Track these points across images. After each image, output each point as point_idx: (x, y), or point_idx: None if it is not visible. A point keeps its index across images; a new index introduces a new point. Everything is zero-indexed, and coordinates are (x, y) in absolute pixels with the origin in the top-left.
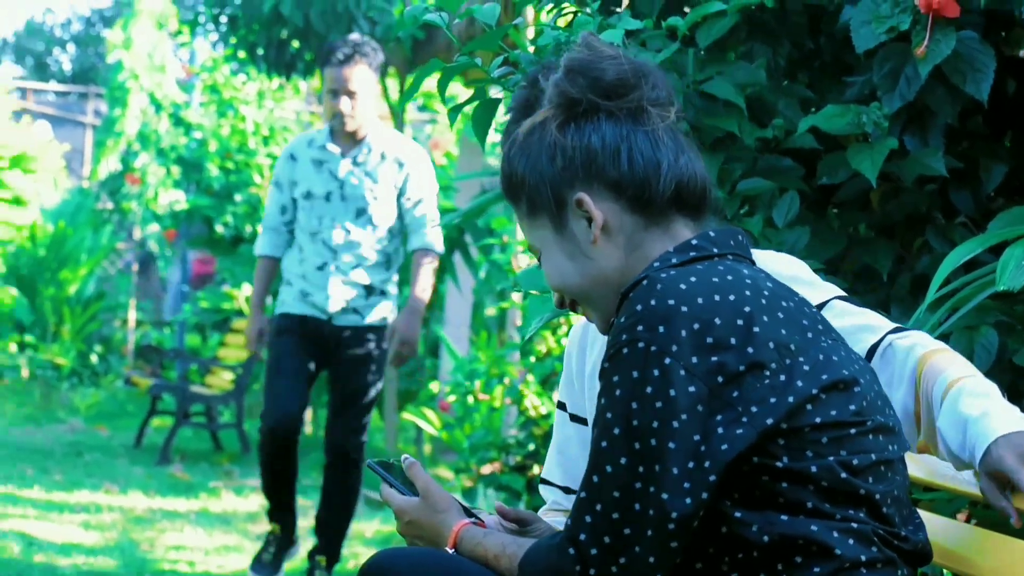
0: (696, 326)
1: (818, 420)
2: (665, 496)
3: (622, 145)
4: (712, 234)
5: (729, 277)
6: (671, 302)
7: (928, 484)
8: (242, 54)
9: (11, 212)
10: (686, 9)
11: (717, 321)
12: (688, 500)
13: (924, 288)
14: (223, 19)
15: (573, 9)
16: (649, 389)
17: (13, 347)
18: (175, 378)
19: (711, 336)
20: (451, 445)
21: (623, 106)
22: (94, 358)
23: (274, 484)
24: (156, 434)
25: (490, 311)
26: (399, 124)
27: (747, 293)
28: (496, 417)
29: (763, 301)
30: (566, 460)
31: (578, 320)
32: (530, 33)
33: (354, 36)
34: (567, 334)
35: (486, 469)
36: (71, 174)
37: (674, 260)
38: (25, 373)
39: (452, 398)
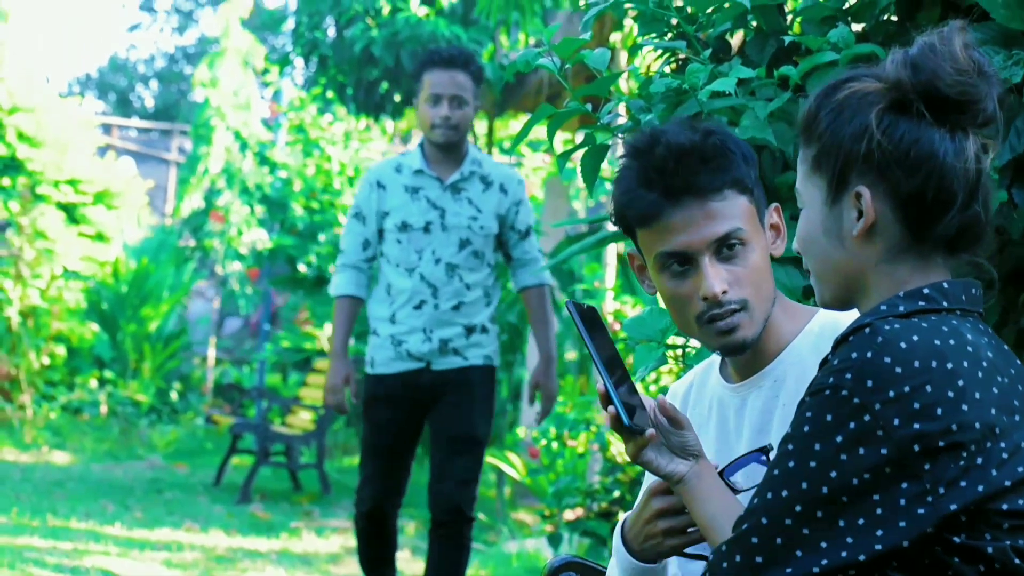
0: (906, 389)
1: (1004, 507)
2: (824, 544)
3: (926, 165)
4: (946, 285)
5: (951, 342)
6: (887, 359)
7: None
8: (330, 94)
9: (94, 248)
10: (796, 59)
11: (928, 389)
12: (844, 554)
13: None
14: (313, 59)
15: (683, 56)
16: (839, 439)
17: (93, 383)
18: (254, 417)
19: (919, 402)
20: (533, 490)
21: (948, 121)
22: (174, 395)
23: (372, 566)
24: (235, 473)
25: (570, 355)
26: None
27: (965, 364)
28: (581, 463)
29: (979, 374)
30: None
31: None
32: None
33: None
34: (657, 381)
35: (570, 515)
36: (154, 211)
37: (901, 308)
38: (104, 409)
39: (542, 443)
